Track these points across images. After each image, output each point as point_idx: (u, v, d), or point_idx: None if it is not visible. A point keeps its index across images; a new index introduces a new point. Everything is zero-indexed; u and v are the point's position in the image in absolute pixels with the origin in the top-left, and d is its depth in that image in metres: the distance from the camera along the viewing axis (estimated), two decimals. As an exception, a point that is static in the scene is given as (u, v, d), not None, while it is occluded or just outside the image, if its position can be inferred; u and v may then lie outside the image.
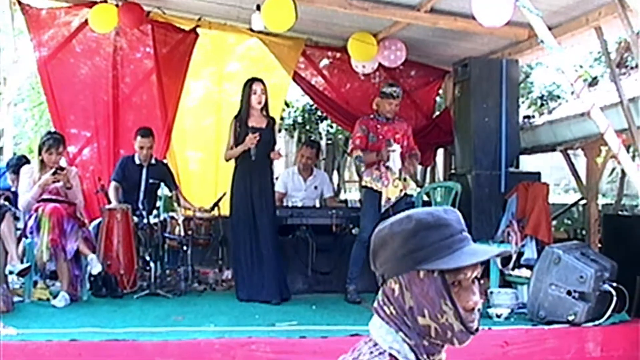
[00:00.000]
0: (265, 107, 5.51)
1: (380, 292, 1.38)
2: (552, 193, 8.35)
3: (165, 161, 6.59)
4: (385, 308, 1.36)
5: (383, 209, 5.40)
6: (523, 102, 10.45)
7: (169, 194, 6.44)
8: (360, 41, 6.64)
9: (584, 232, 6.99)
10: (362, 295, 5.49)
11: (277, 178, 6.57)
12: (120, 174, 6.16)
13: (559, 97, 10.31)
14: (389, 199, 5.42)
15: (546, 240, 5.39)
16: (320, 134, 10.57)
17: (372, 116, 5.63)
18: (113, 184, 6.12)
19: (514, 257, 5.44)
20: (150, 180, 6.05)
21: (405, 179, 5.53)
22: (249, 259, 5.35)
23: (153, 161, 6.19)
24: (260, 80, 5.52)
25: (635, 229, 5.50)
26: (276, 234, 5.54)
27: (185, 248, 5.71)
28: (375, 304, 1.39)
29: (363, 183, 5.61)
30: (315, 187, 6.80)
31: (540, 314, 4.59)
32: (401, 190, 5.47)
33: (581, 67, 10.11)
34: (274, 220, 5.53)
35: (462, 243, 1.33)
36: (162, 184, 6.17)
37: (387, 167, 5.39)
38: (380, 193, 5.43)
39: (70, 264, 5.08)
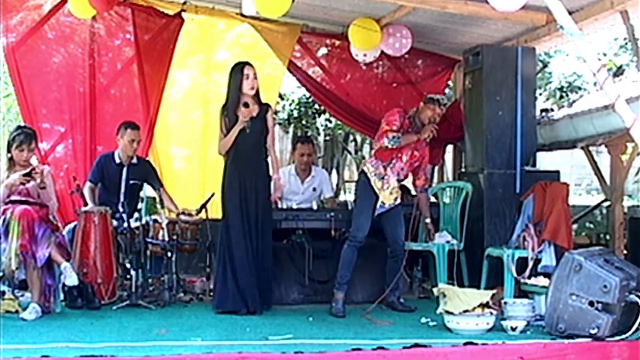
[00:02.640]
0: (257, 92, 5.52)
1: None
2: (573, 194, 8.36)
3: (147, 158, 6.60)
4: None
5: (376, 213, 5.51)
6: (540, 94, 10.51)
7: (152, 195, 6.44)
8: (362, 27, 6.65)
9: (607, 237, 7.00)
10: (363, 306, 5.51)
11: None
12: (97, 175, 6.19)
13: (580, 88, 10.33)
14: (384, 203, 5.52)
15: (566, 246, 5.40)
16: (317, 129, 10.58)
17: (408, 116, 5.62)
18: (88, 184, 6.15)
19: (531, 264, 5.45)
20: (131, 181, 6.05)
21: (401, 187, 5.64)
22: (244, 264, 5.33)
23: (134, 160, 6.21)
24: (251, 64, 5.52)
25: (664, 234, 5.52)
26: (270, 237, 5.52)
27: (169, 254, 5.71)
28: None
29: (364, 168, 5.59)
30: (314, 189, 6.78)
31: (559, 327, 4.60)
32: (395, 199, 5.56)
33: (605, 55, 10.14)
34: (269, 222, 5.52)
35: None
36: (145, 184, 6.17)
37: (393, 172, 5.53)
38: (377, 196, 5.49)
39: (41, 272, 5.07)
